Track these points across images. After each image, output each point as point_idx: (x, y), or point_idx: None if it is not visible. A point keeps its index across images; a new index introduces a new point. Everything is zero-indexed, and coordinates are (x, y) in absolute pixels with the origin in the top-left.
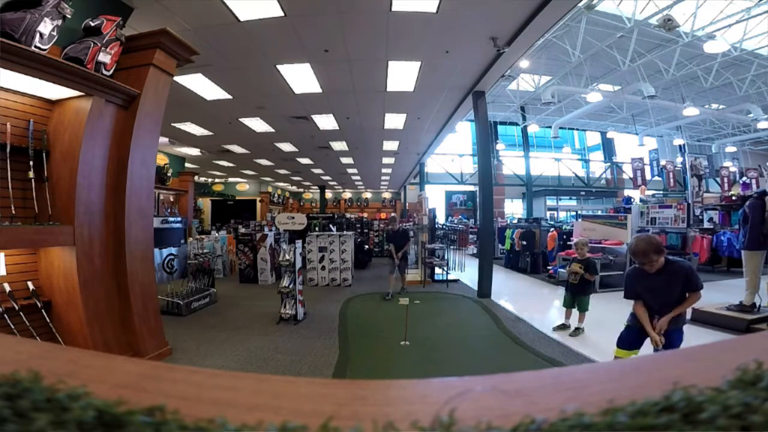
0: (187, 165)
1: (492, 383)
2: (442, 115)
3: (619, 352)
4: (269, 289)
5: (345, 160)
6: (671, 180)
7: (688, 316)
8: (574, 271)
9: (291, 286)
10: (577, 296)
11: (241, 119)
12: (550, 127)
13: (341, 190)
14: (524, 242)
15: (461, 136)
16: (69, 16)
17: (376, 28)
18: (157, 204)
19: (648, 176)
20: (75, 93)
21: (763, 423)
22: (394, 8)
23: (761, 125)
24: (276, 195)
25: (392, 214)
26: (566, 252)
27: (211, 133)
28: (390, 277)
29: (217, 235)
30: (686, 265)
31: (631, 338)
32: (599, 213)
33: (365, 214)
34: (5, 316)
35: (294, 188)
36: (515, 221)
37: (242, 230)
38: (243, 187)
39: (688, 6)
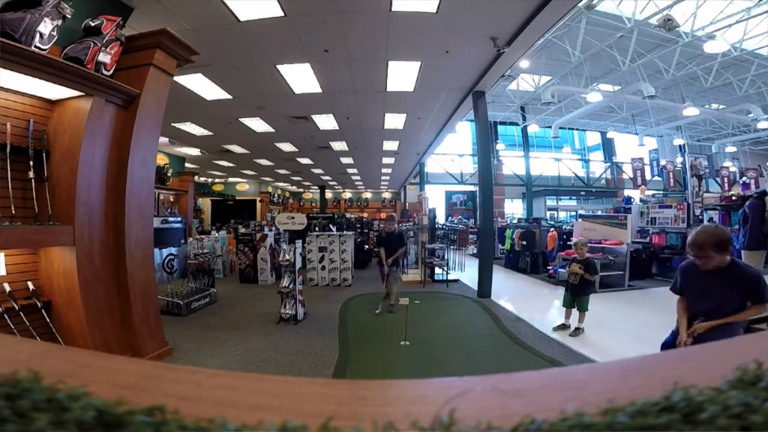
0: (187, 165)
1: (492, 383)
2: (442, 115)
3: None
4: (269, 289)
5: (345, 160)
6: (671, 180)
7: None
8: (574, 272)
9: (291, 286)
10: (577, 296)
11: (241, 119)
12: (550, 127)
13: (341, 190)
14: (524, 242)
15: (461, 136)
16: (69, 16)
17: (376, 28)
18: (157, 204)
19: (648, 176)
20: (75, 93)
21: (763, 423)
22: (394, 8)
23: (761, 125)
24: (276, 195)
25: (392, 213)
26: (566, 252)
27: (211, 133)
28: (383, 286)
29: (217, 235)
30: (753, 271)
31: (671, 343)
32: (599, 213)
33: (365, 214)
34: (5, 316)
35: (294, 188)
36: (515, 221)
37: (242, 230)
38: (243, 187)
39: (688, 6)
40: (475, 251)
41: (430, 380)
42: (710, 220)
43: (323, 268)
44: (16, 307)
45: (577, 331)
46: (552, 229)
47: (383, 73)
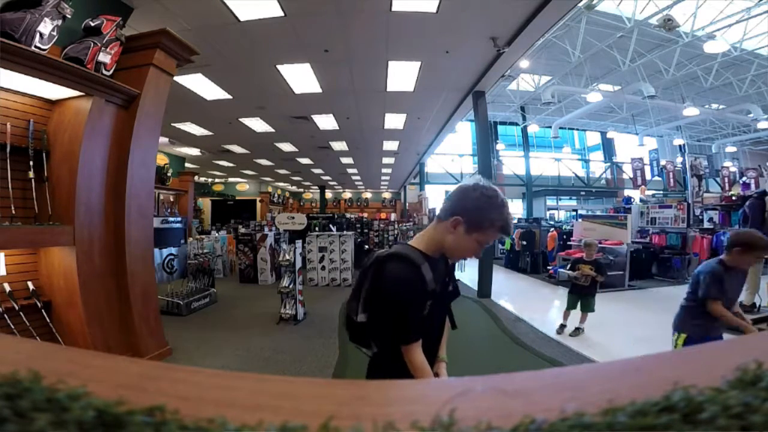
0: (187, 165)
1: (492, 383)
2: (442, 115)
3: None
4: (269, 289)
5: (345, 160)
6: (671, 180)
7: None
8: (586, 273)
9: (291, 286)
10: (584, 297)
11: (241, 119)
12: (550, 127)
13: (341, 190)
14: (524, 242)
15: (461, 136)
16: (69, 16)
17: (376, 28)
18: (157, 204)
19: (648, 176)
20: (75, 93)
21: (763, 423)
22: (394, 8)
23: (761, 125)
24: (276, 195)
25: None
26: (566, 252)
27: (211, 133)
28: None
29: (217, 235)
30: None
31: None
32: (599, 213)
33: (365, 214)
34: (5, 316)
35: (294, 188)
36: (515, 221)
37: (242, 230)
38: (243, 187)
39: (688, 6)
40: None
41: (430, 380)
42: (710, 220)
43: (323, 268)
44: (16, 307)
45: (577, 331)
46: (552, 229)
47: (383, 73)
